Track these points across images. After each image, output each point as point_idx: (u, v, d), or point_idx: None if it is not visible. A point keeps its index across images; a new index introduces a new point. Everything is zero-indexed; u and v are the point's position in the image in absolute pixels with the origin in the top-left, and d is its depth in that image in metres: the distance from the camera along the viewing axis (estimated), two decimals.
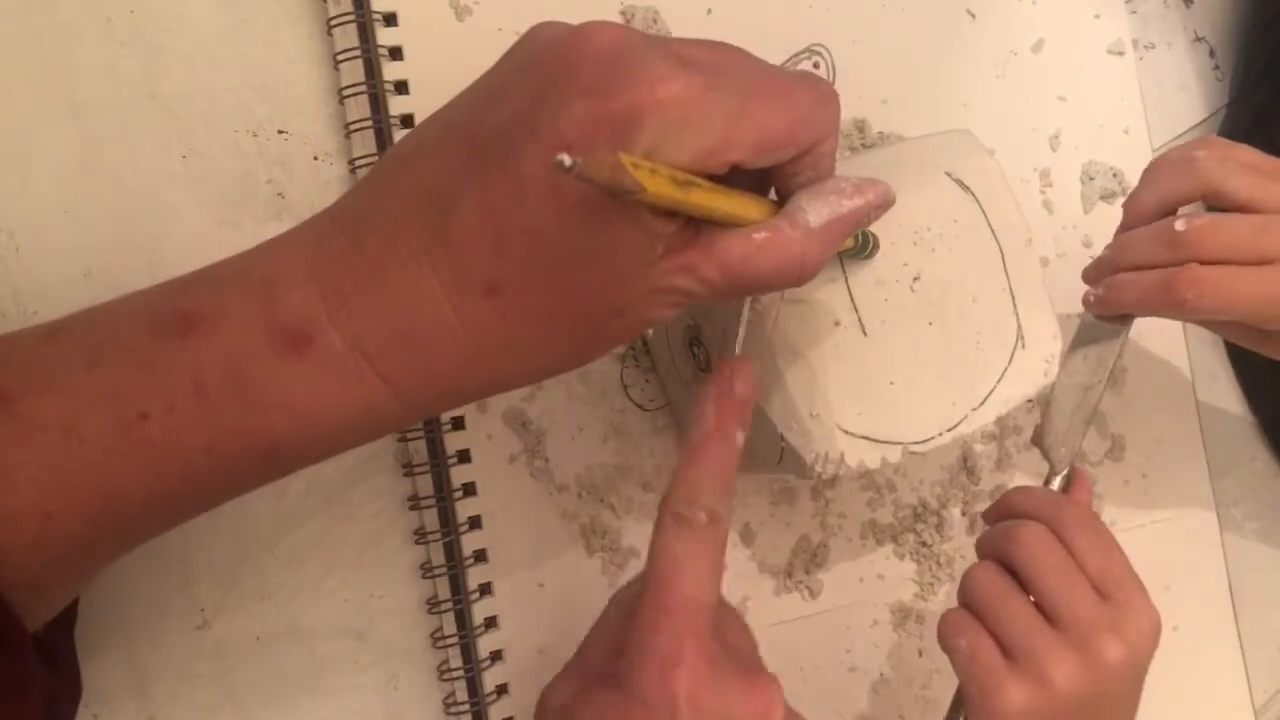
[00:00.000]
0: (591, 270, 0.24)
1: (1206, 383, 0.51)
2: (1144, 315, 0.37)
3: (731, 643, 0.30)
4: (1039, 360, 0.36)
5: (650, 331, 0.40)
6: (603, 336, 0.26)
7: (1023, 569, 0.33)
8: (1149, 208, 0.38)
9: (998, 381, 0.35)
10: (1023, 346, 0.36)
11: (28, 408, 0.24)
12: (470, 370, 0.25)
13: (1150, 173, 0.38)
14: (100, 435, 0.24)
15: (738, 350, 0.31)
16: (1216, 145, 0.37)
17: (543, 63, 0.24)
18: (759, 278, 0.25)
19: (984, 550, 0.36)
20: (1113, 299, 0.37)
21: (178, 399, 0.24)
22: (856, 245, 0.33)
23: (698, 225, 0.25)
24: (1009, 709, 0.31)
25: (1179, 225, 0.35)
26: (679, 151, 0.23)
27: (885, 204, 0.28)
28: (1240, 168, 0.36)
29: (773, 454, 0.34)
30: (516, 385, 0.27)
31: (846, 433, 0.33)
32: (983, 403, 0.35)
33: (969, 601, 0.34)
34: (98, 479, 0.24)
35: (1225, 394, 0.52)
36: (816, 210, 0.26)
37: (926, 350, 0.34)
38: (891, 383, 0.34)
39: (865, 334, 0.34)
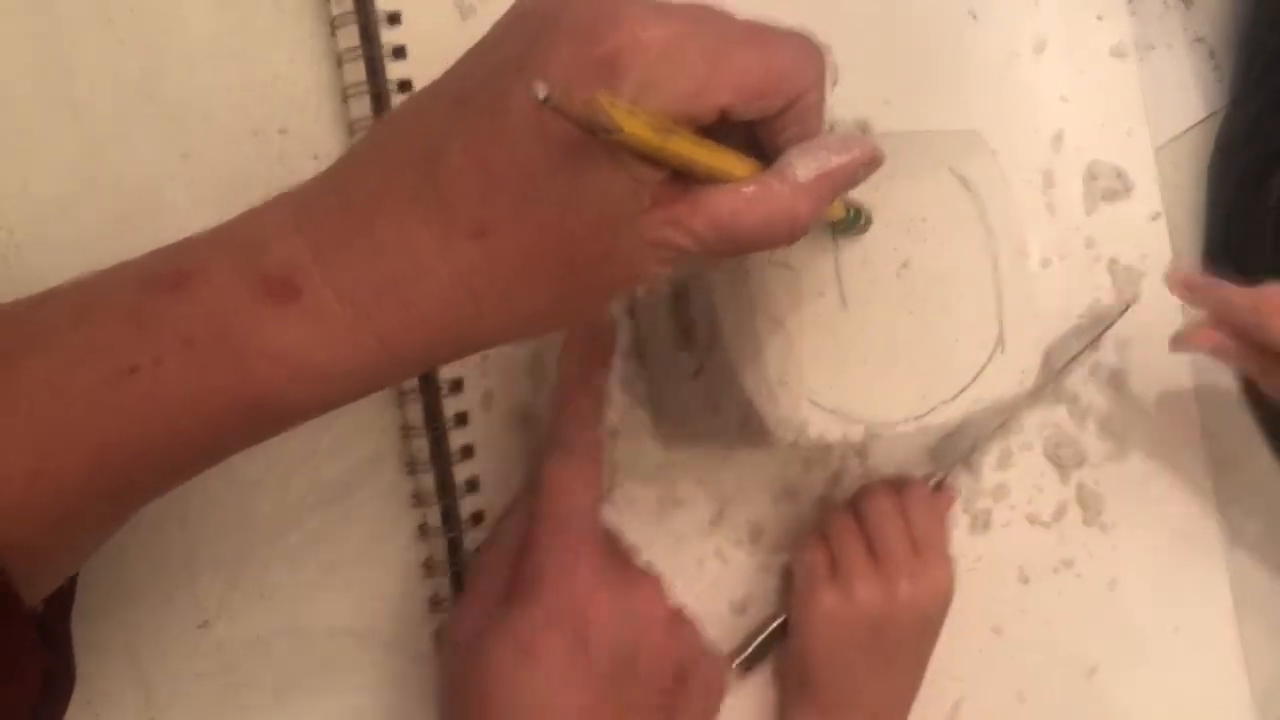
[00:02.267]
0: (579, 214, 0.24)
1: (1207, 383, 0.51)
2: (1217, 322, 0.43)
3: (621, 550, 0.34)
4: (1016, 368, 0.36)
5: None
6: (592, 285, 0.25)
7: (866, 516, 0.42)
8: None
9: (972, 380, 0.36)
10: (1002, 351, 0.36)
11: (15, 368, 0.24)
12: (458, 318, 0.25)
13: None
14: (88, 391, 0.24)
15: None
16: None
17: (532, 14, 0.25)
18: (749, 233, 0.25)
19: (850, 504, 0.44)
20: (1204, 293, 0.43)
21: (166, 352, 0.24)
22: (848, 218, 0.33)
23: (686, 180, 0.25)
24: (818, 606, 0.41)
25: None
26: (661, 94, 0.23)
27: (873, 162, 0.27)
28: None
29: (738, 419, 0.34)
30: (507, 337, 0.26)
31: (813, 403, 0.33)
32: (954, 398, 0.35)
33: (824, 531, 0.43)
34: (87, 435, 0.24)
35: (1226, 394, 0.52)
36: (805, 165, 0.26)
37: (904, 337, 0.35)
38: (865, 362, 0.34)
39: (846, 309, 0.34)
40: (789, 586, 0.43)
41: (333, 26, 0.38)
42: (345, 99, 0.38)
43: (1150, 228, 0.50)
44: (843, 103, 0.45)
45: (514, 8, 0.26)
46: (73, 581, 0.31)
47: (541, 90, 0.20)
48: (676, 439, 0.42)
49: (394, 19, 0.38)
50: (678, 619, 0.34)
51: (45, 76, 0.36)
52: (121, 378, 0.24)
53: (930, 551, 0.41)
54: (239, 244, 0.25)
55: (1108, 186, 0.49)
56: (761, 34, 0.25)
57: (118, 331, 0.24)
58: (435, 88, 0.26)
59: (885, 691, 0.42)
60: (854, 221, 0.34)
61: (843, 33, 0.45)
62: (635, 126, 0.22)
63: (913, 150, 0.36)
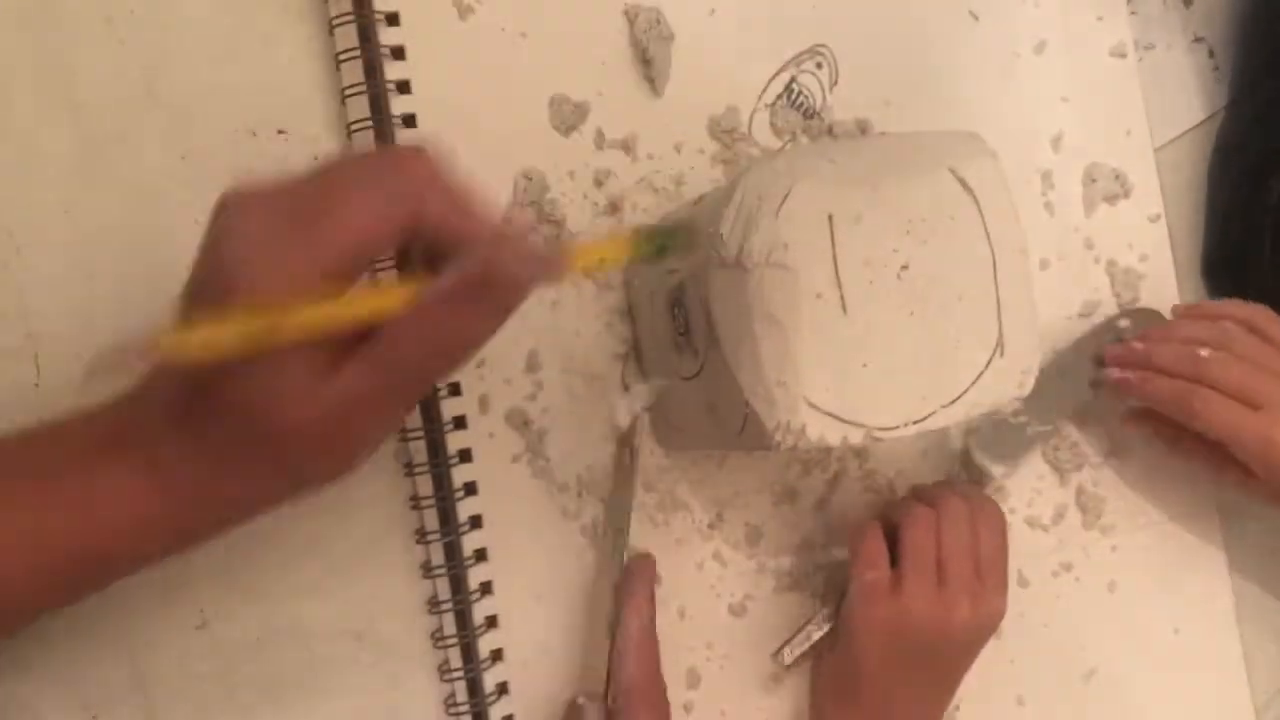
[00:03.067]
0: (248, 414, 0.27)
1: None
2: (1155, 406, 0.45)
3: None
4: (1016, 371, 0.36)
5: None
6: (285, 469, 0.29)
7: (944, 526, 0.41)
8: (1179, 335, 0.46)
9: (971, 384, 0.35)
10: (1001, 354, 0.36)
11: None
12: (214, 495, 0.30)
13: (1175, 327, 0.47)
14: None
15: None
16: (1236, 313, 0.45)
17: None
18: (411, 365, 0.28)
19: (922, 498, 0.43)
20: (1138, 387, 0.45)
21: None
22: (650, 248, 0.32)
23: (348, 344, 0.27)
24: (874, 616, 0.40)
25: (1203, 353, 0.44)
26: (263, 296, 0.26)
27: (490, 280, 0.28)
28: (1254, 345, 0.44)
29: (737, 420, 0.34)
30: (268, 507, 0.31)
31: (812, 406, 0.33)
32: (953, 401, 0.35)
33: (889, 519, 0.42)
34: None
35: None
36: (435, 287, 0.27)
37: (904, 339, 0.34)
38: (864, 365, 0.34)
39: (845, 312, 0.34)
40: (835, 586, 0.43)
41: (331, 27, 0.38)
42: (344, 99, 0.38)
43: (1150, 229, 0.50)
44: (843, 103, 0.45)
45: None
46: None
47: (85, 373, 0.25)
48: (675, 442, 0.42)
49: (392, 19, 0.38)
50: None
51: (45, 76, 0.36)
52: None
53: (992, 576, 0.41)
54: (68, 426, 0.30)
55: (1107, 188, 0.49)
56: (337, 191, 0.27)
57: None
58: None
59: (926, 704, 0.42)
60: (660, 250, 0.33)
61: (843, 33, 0.45)
62: (199, 341, 0.25)
63: (912, 150, 0.36)
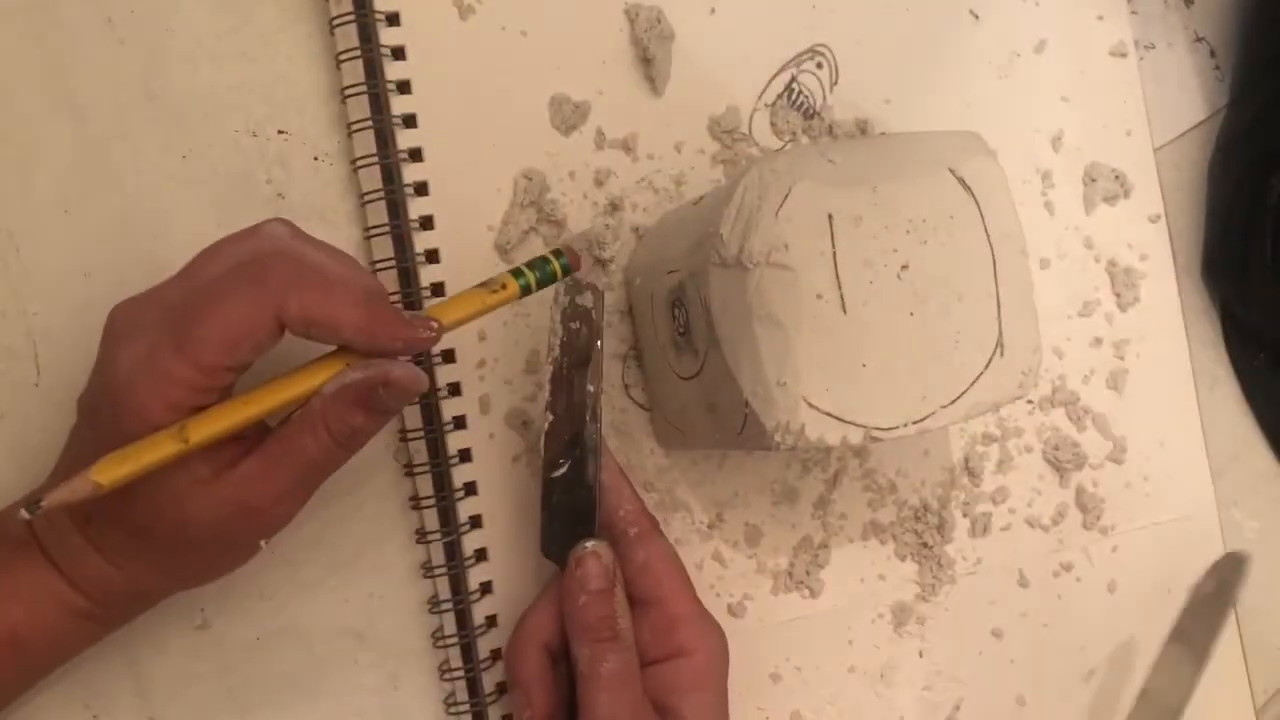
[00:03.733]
0: (154, 514, 0.30)
1: (1207, 384, 0.51)
2: None
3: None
4: (1016, 371, 0.36)
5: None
6: (194, 561, 0.32)
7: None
8: None
9: (971, 384, 0.35)
10: (1001, 354, 0.36)
11: None
12: (128, 587, 0.32)
13: None
14: None
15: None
16: None
17: None
18: (305, 455, 0.30)
19: None
20: None
21: None
22: (530, 285, 0.34)
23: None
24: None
25: None
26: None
27: (386, 381, 0.30)
28: None
29: (736, 421, 0.34)
30: (187, 586, 0.34)
31: (811, 406, 0.33)
32: (953, 402, 0.35)
33: None
34: None
35: (1226, 395, 0.52)
36: (331, 384, 0.30)
37: (904, 339, 0.34)
38: (864, 365, 0.34)
39: (845, 312, 0.34)
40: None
41: (331, 27, 0.38)
42: (344, 99, 0.38)
43: (1150, 229, 0.50)
44: (843, 103, 0.45)
45: None
46: None
47: (22, 514, 0.27)
48: (675, 442, 0.42)
49: (393, 19, 0.38)
50: None
51: (45, 76, 0.36)
52: None
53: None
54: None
55: (1107, 187, 0.49)
56: (207, 297, 0.29)
57: None
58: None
59: None
60: (545, 280, 0.34)
61: (844, 32, 0.45)
62: (120, 469, 0.28)
63: (911, 150, 0.36)
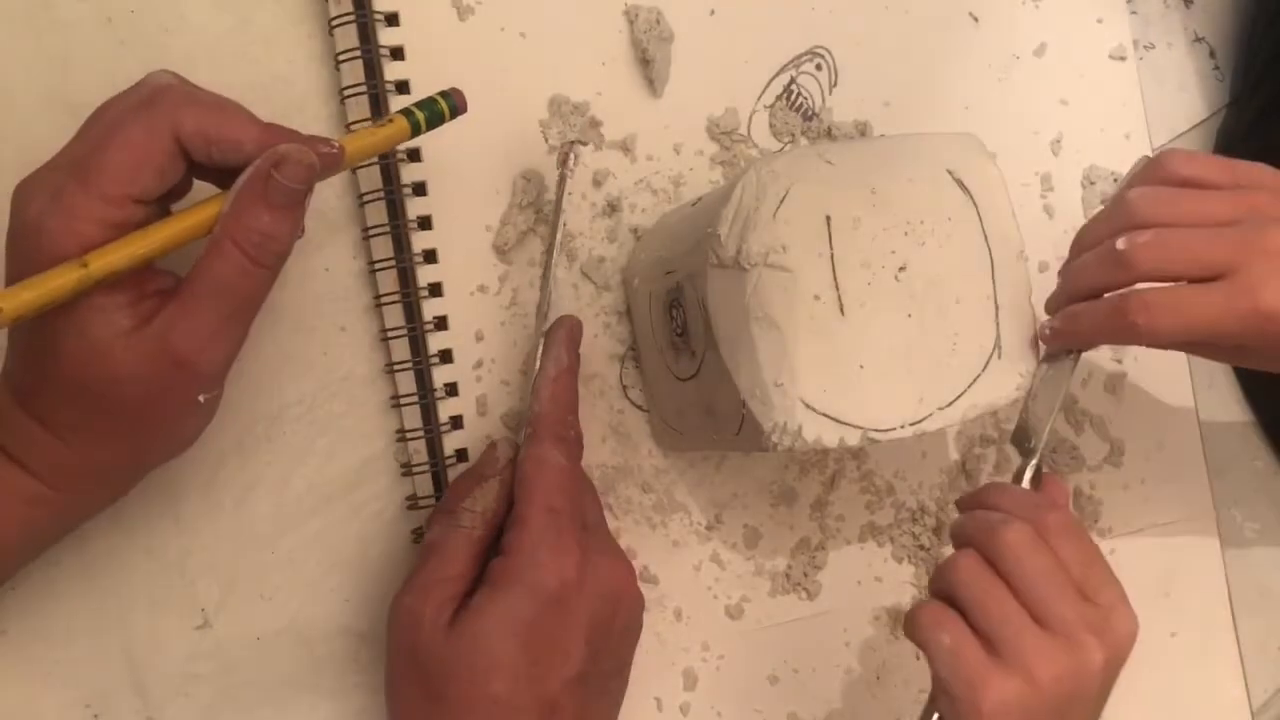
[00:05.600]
0: (82, 377, 0.29)
1: (1206, 384, 0.51)
2: (1102, 344, 0.36)
3: (592, 524, 0.36)
4: (1013, 373, 0.36)
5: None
6: (137, 423, 0.30)
7: (1010, 568, 0.32)
8: (1090, 242, 0.37)
9: (969, 386, 0.35)
10: (999, 356, 0.36)
11: None
12: (83, 464, 0.31)
13: (1091, 222, 0.38)
14: None
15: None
16: (1150, 173, 0.36)
17: None
18: (226, 283, 0.29)
19: (961, 540, 0.35)
20: (1067, 331, 0.36)
21: None
22: (419, 125, 0.33)
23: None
24: (995, 706, 0.31)
25: (1120, 244, 0.34)
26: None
27: (280, 161, 0.29)
28: (1170, 196, 0.35)
29: (734, 423, 0.34)
30: (138, 462, 0.32)
31: (808, 407, 0.33)
32: (951, 404, 0.35)
33: (950, 594, 0.33)
34: None
35: (1225, 395, 0.52)
36: (227, 198, 0.29)
37: (901, 341, 0.35)
38: (861, 366, 0.34)
39: (843, 313, 0.34)
40: (932, 680, 0.33)
41: (331, 27, 0.38)
42: (343, 100, 0.38)
43: None
44: (842, 105, 0.45)
45: None
46: None
47: None
48: (673, 443, 0.42)
49: (392, 20, 0.38)
50: (639, 593, 0.36)
51: (45, 76, 0.36)
52: None
53: (1102, 592, 0.33)
54: None
55: (1106, 191, 0.49)
56: (97, 132, 0.29)
57: None
58: None
59: None
60: (433, 121, 0.33)
61: (844, 34, 0.45)
62: (22, 296, 0.27)
63: (910, 152, 0.36)
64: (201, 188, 0.31)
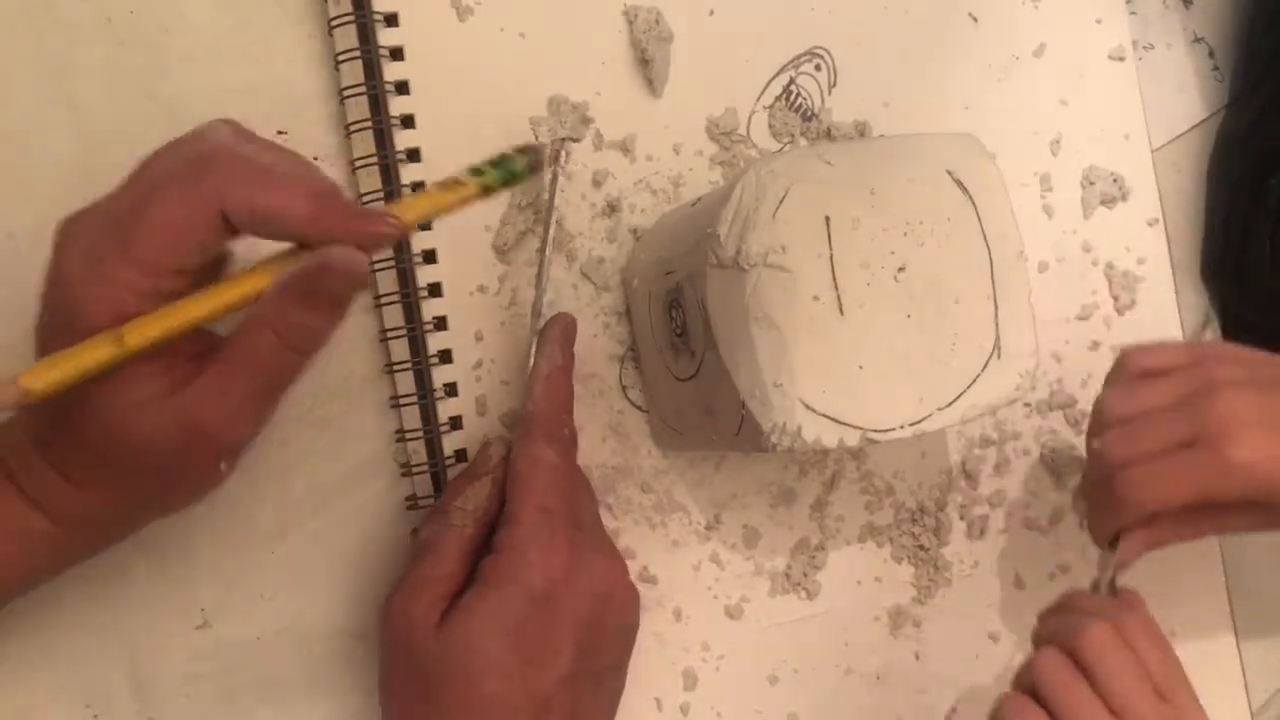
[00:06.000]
0: (106, 436, 0.28)
1: None
2: (1125, 528, 0.39)
3: (587, 523, 0.36)
4: (1013, 373, 0.36)
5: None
6: (152, 484, 0.30)
7: (1092, 664, 0.35)
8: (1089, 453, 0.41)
9: (968, 386, 0.35)
10: (998, 357, 0.36)
11: None
12: (94, 516, 0.31)
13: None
14: None
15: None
16: (1116, 374, 0.40)
17: None
18: (259, 365, 0.29)
19: (1045, 639, 0.38)
20: (1099, 537, 0.40)
21: None
22: (493, 183, 0.32)
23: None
24: None
25: (1095, 445, 0.39)
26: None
27: (326, 268, 0.28)
28: (1131, 390, 0.39)
29: (733, 423, 0.34)
30: (148, 518, 0.32)
31: (808, 408, 0.33)
32: (950, 404, 0.35)
33: (1034, 688, 0.36)
34: None
35: None
36: (273, 284, 0.28)
37: (901, 341, 0.35)
38: (860, 367, 0.34)
39: (842, 313, 0.34)
40: None
41: (330, 28, 0.38)
42: (343, 100, 0.38)
43: (1148, 233, 0.50)
44: (842, 106, 0.45)
45: None
46: None
47: None
48: (672, 443, 0.42)
49: (391, 20, 0.38)
50: (633, 591, 0.36)
51: (45, 76, 0.36)
52: None
53: (1178, 693, 0.35)
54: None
55: (1105, 191, 0.49)
56: (143, 199, 0.28)
57: None
58: None
59: None
60: (508, 179, 0.32)
61: (843, 35, 0.45)
62: (51, 374, 0.26)
63: (909, 152, 0.36)
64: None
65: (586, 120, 0.41)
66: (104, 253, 0.27)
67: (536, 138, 0.41)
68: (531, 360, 0.37)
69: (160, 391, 0.28)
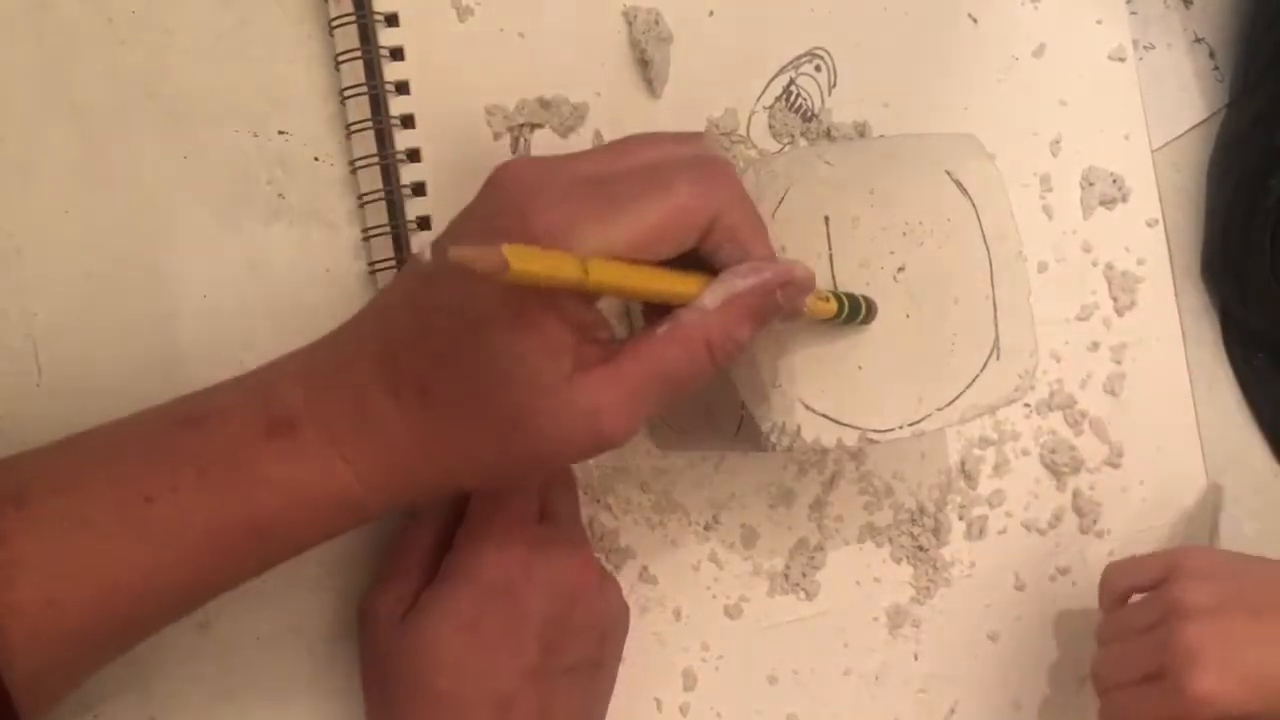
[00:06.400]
0: (499, 379, 0.26)
1: (1205, 384, 0.51)
2: None
3: (558, 515, 0.36)
4: (1012, 374, 0.36)
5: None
6: (528, 452, 0.28)
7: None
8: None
9: (967, 386, 0.36)
10: (998, 357, 0.36)
11: (42, 506, 0.26)
12: (418, 462, 0.28)
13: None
14: (105, 520, 0.26)
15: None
16: (1102, 594, 0.43)
17: (477, 198, 0.29)
18: (674, 372, 0.28)
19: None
20: None
21: (182, 482, 0.27)
22: (843, 312, 0.33)
23: (618, 341, 0.28)
24: None
25: (1090, 668, 0.42)
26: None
27: (789, 281, 0.29)
28: (1108, 622, 0.42)
29: (732, 423, 0.34)
30: (469, 484, 0.30)
31: (807, 408, 0.33)
32: (949, 404, 0.35)
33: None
34: (99, 564, 0.26)
35: (1224, 395, 0.52)
36: (714, 292, 0.28)
37: (900, 342, 0.35)
38: (860, 367, 0.34)
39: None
40: None
41: (331, 28, 0.38)
42: (343, 100, 0.38)
43: (1147, 233, 0.50)
44: (842, 106, 0.45)
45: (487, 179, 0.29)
46: None
47: (426, 254, 0.24)
48: (671, 443, 0.42)
49: (392, 20, 0.38)
50: (602, 581, 0.36)
51: (45, 76, 0.36)
52: (138, 507, 0.26)
53: None
54: (253, 390, 0.29)
55: (1105, 191, 0.49)
56: (658, 181, 0.27)
57: (140, 465, 0.27)
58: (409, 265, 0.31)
59: None
60: (853, 315, 0.33)
61: (842, 35, 0.45)
62: (529, 263, 0.24)
63: (909, 153, 0.36)
64: None
65: (545, 104, 0.41)
66: (584, 215, 0.26)
67: (490, 127, 0.40)
68: None
69: (568, 371, 0.26)
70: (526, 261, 0.23)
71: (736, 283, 0.28)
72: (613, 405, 0.27)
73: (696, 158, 0.28)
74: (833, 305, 0.32)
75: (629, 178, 0.27)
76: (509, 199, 0.27)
